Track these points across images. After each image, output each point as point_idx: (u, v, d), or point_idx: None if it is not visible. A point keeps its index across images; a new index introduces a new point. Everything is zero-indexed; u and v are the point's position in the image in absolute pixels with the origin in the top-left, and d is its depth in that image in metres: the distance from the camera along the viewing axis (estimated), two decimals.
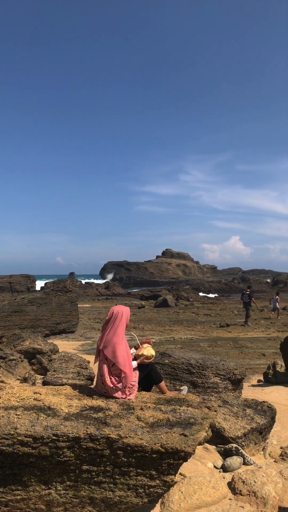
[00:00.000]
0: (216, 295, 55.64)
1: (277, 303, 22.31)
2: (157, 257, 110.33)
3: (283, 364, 8.57)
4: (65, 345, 12.78)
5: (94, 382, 4.05)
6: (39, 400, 3.58)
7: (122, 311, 4.05)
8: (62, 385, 4.76)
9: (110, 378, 3.80)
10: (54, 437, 2.95)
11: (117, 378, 3.83)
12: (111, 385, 3.80)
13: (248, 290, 19.69)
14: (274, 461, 4.38)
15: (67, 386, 4.24)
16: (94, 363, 4.05)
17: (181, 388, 5.04)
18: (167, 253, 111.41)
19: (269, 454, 4.55)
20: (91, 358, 8.32)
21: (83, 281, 58.20)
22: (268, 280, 73.98)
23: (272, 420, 4.89)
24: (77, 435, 2.99)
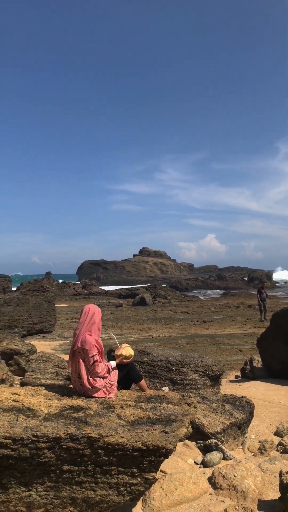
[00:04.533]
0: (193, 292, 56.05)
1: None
2: (134, 255, 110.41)
3: (260, 360, 8.72)
4: (43, 345, 12.65)
5: (72, 383, 4.02)
6: (18, 401, 3.53)
7: (94, 309, 4.06)
8: (41, 385, 4.71)
9: (88, 379, 3.78)
10: (34, 438, 2.91)
11: (95, 379, 3.81)
12: (89, 386, 3.78)
13: (264, 286, 20.39)
14: (253, 455, 4.44)
15: (46, 386, 4.20)
16: (68, 367, 4.01)
17: (162, 388, 5.06)
18: (144, 252, 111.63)
19: (248, 449, 4.62)
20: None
21: (60, 281, 57.70)
22: (246, 278, 74.91)
23: (251, 415, 4.96)
24: (58, 435, 2.96)
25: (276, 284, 69.91)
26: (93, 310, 4.07)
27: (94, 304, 4.26)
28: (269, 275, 71.78)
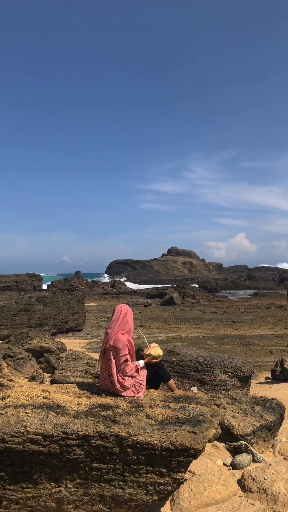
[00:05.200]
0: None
1: None
2: (163, 255, 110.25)
3: None
4: (72, 343, 12.82)
5: (100, 382, 4.05)
6: (48, 398, 3.59)
7: (126, 309, 4.08)
8: (70, 383, 4.77)
9: (118, 378, 3.80)
10: (64, 435, 2.96)
11: (124, 377, 3.83)
12: (119, 385, 3.80)
13: None
14: (284, 459, 4.36)
15: (75, 384, 4.26)
16: (99, 363, 4.04)
17: (191, 389, 5.04)
18: (172, 251, 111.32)
19: (279, 451, 4.53)
20: (98, 356, 8.33)
21: (89, 280, 58.29)
22: (276, 278, 73.56)
23: (281, 417, 4.87)
24: (87, 433, 2.99)
25: None
26: (125, 309, 4.10)
27: (125, 304, 4.29)
28: None
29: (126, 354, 3.84)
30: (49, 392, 3.78)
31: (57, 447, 2.94)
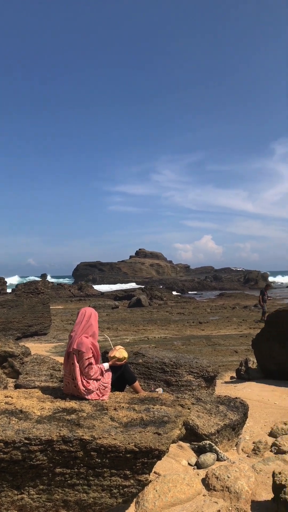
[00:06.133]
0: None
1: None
2: (131, 257, 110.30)
3: (255, 361, 8.73)
4: (37, 347, 12.61)
5: (64, 386, 4.01)
6: (11, 404, 3.51)
7: (90, 311, 4.06)
8: (35, 387, 4.70)
9: (82, 381, 3.77)
10: (26, 441, 2.90)
11: (89, 381, 3.80)
12: (83, 388, 3.77)
13: (267, 288, 20.89)
14: (247, 456, 4.44)
15: (39, 388, 4.19)
16: (64, 367, 4.02)
17: (156, 390, 5.06)
18: (140, 253, 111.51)
19: (242, 450, 4.62)
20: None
21: (56, 283, 57.58)
22: (242, 279, 75.03)
23: (245, 415, 4.96)
24: (50, 437, 2.95)
25: (272, 284, 70.14)
26: (89, 312, 4.07)
27: (90, 306, 4.26)
28: (265, 276, 71.96)
29: (90, 357, 3.82)
30: (12, 398, 3.70)
31: (19, 454, 2.88)
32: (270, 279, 79.82)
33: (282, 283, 78.73)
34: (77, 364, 3.80)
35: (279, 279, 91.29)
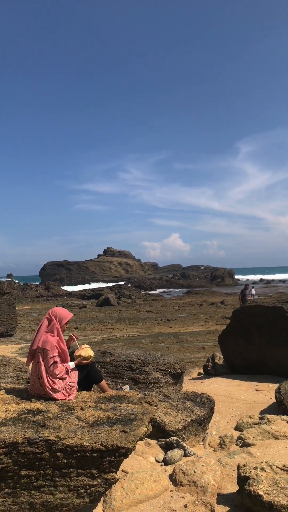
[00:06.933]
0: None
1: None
2: (99, 256, 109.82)
3: (221, 356, 8.88)
4: (3, 348, 12.37)
5: (30, 385, 3.95)
6: None
7: (58, 310, 4.02)
8: (0, 390, 4.60)
9: (48, 380, 3.73)
10: None
11: (54, 380, 3.76)
12: (49, 387, 3.73)
13: (247, 287, 21.15)
14: (214, 450, 4.52)
15: (4, 390, 4.11)
16: (27, 365, 3.97)
17: (123, 387, 5.06)
18: (108, 252, 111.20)
19: (209, 444, 4.69)
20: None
21: (22, 283, 56.60)
22: (208, 276, 76.11)
23: (211, 411, 5.04)
24: (15, 440, 2.89)
25: (238, 281, 71.64)
26: (55, 311, 4.03)
27: (59, 306, 4.23)
28: (231, 273, 73.28)
29: (55, 355, 3.77)
30: None
31: None
32: (237, 276, 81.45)
33: (247, 279, 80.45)
34: (42, 363, 3.75)
35: (242, 276, 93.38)
